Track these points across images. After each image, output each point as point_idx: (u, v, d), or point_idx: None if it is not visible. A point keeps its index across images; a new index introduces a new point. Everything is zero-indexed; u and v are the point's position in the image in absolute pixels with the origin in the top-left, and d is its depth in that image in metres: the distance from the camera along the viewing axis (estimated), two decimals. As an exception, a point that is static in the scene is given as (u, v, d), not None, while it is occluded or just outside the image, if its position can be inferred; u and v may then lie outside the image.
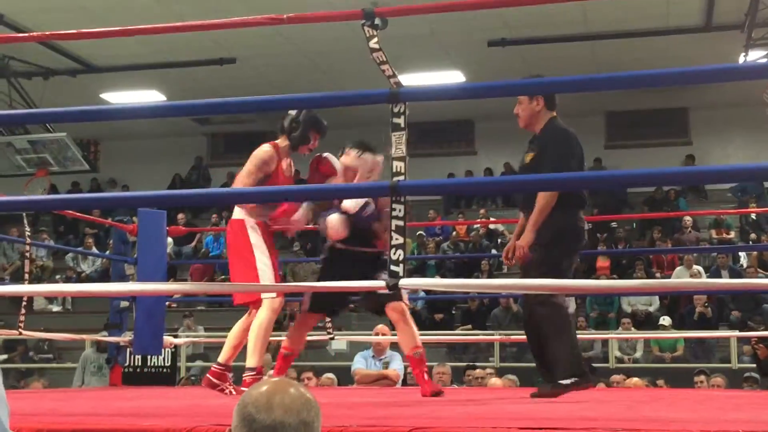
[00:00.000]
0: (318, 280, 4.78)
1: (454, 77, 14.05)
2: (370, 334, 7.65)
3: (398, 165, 3.21)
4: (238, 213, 4.68)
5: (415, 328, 4.55)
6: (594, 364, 10.03)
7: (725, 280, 9.72)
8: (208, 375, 4.67)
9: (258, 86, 13.91)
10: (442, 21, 11.86)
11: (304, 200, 4.38)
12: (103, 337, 7.50)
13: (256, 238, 4.56)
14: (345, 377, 8.52)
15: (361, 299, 4.76)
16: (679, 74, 3.50)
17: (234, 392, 4.48)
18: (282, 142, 4.70)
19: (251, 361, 4.36)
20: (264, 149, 4.66)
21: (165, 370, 7.55)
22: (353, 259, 4.54)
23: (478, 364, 9.80)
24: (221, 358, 4.65)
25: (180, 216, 15.47)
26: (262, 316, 4.44)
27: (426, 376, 4.49)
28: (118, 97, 14.92)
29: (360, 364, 7.38)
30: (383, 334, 7.35)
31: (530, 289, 3.78)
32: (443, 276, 13.30)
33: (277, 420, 1.64)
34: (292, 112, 4.68)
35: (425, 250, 14.52)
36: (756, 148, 15.53)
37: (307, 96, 3.93)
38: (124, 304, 6.82)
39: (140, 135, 17.48)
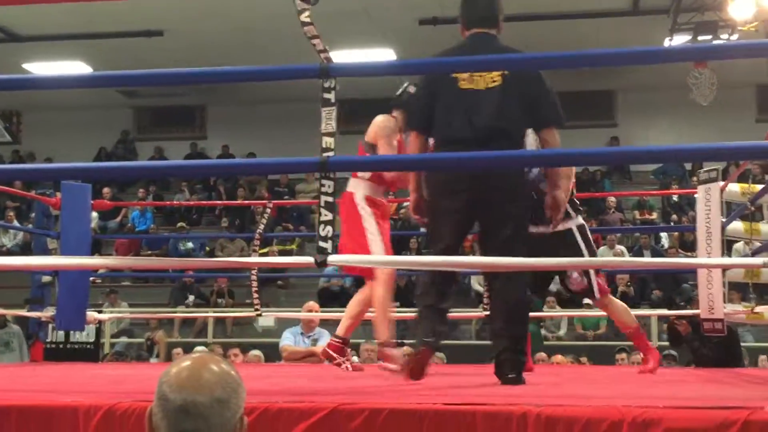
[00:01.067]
0: None
1: (385, 55, 14.03)
2: (299, 311, 7.62)
3: (327, 140, 3.19)
4: (351, 186, 4.70)
5: (624, 311, 4.88)
6: (565, 343, 10.19)
7: (647, 259, 9.91)
8: (326, 348, 4.81)
9: (186, 60, 13.64)
10: (374, -2, 11.83)
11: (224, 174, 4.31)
12: (25, 312, 7.34)
13: (365, 211, 4.62)
14: (273, 354, 8.49)
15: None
16: (607, 55, 3.54)
17: (350, 368, 4.67)
18: (399, 115, 4.71)
19: (379, 334, 4.60)
20: (390, 119, 4.72)
21: (88, 346, 7.42)
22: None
23: (406, 341, 9.85)
24: (339, 331, 4.80)
25: (105, 190, 15.18)
26: (378, 292, 4.58)
27: (648, 354, 4.85)
28: (41, 68, 14.54)
29: (288, 340, 7.35)
30: (313, 311, 7.33)
31: (457, 266, 3.79)
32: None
33: (188, 399, 1.60)
34: (405, 84, 4.74)
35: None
36: (679, 131, 15.88)
37: (236, 69, 3.87)
38: (46, 278, 6.68)
39: (64, 107, 17.07)
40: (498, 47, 3.80)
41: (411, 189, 3.96)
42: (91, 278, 8.35)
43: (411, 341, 3.83)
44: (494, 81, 3.66)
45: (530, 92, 3.70)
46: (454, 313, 9.48)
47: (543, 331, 11.61)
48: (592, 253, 4.72)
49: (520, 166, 3.76)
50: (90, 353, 7.28)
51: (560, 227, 4.52)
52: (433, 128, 3.77)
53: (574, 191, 4.65)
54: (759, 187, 5.88)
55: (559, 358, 8.64)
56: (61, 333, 7.07)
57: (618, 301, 4.91)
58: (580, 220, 4.71)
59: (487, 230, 3.74)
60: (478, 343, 11.48)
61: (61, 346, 7.13)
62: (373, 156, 3.58)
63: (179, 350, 9.42)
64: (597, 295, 4.71)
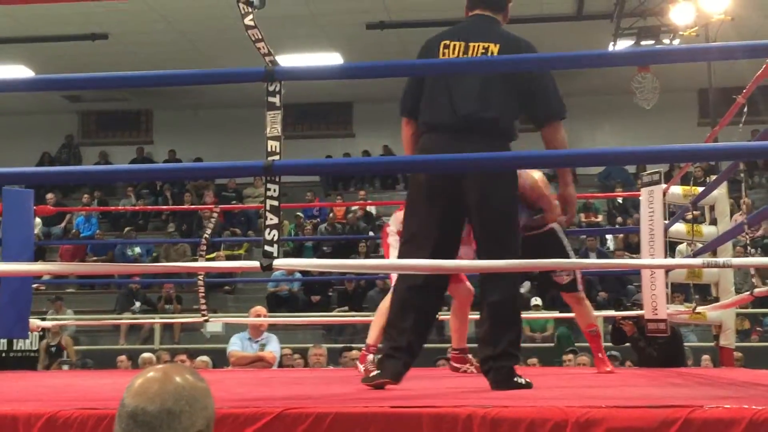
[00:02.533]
0: None
1: (332, 59, 14.04)
2: (247, 316, 7.58)
3: (273, 144, 3.18)
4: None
5: (591, 310, 5.08)
6: (467, 344, 10.21)
7: (592, 260, 10.02)
8: (451, 362, 5.18)
9: (131, 64, 13.55)
10: (320, 2, 11.83)
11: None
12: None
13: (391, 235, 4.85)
14: (220, 360, 8.43)
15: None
16: (553, 59, 3.57)
17: (475, 371, 4.82)
18: None
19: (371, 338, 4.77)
20: None
21: (32, 354, 7.31)
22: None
23: (354, 345, 9.86)
24: (455, 344, 5.19)
25: (49, 196, 14.96)
26: (387, 301, 4.52)
27: (601, 354, 5.02)
28: (-19, 72, 14.29)
29: (236, 346, 7.30)
30: (261, 316, 7.29)
31: (403, 269, 3.77)
32: (321, 258, 13.30)
33: (138, 407, 1.60)
34: None
35: (302, 232, 14.48)
36: (623, 135, 16.11)
37: (182, 73, 3.84)
38: (-13, 286, 6.54)
39: (6, 112, 16.78)
40: (497, 32, 3.62)
41: None
42: (35, 285, 8.22)
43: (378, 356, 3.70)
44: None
45: (521, 83, 3.55)
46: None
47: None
48: (573, 249, 4.95)
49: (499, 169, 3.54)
50: (33, 361, 7.18)
51: (541, 229, 4.83)
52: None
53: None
54: (700, 189, 5.99)
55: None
56: (4, 341, 6.95)
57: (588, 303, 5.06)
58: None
59: (476, 227, 3.51)
60: (426, 346, 11.51)
61: (2, 354, 7.01)
62: (319, 159, 3.56)
63: (123, 357, 9.31)
64: (580, 287, 4.92)
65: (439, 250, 3.41)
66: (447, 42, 3.60)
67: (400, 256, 3.63)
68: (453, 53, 3.56)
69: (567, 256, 4.80)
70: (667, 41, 11.52)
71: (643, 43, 11.77)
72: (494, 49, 3.51)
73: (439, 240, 3.46)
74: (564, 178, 3.82)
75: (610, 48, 12.38)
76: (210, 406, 1.69)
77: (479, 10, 3.72)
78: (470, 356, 5.18)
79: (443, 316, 6.34)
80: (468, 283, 5.00)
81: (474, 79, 3.49)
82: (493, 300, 3.38)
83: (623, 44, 12.31)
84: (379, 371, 3.44)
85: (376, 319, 4.92)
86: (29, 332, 6.72)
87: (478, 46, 3.54)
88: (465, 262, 3.95)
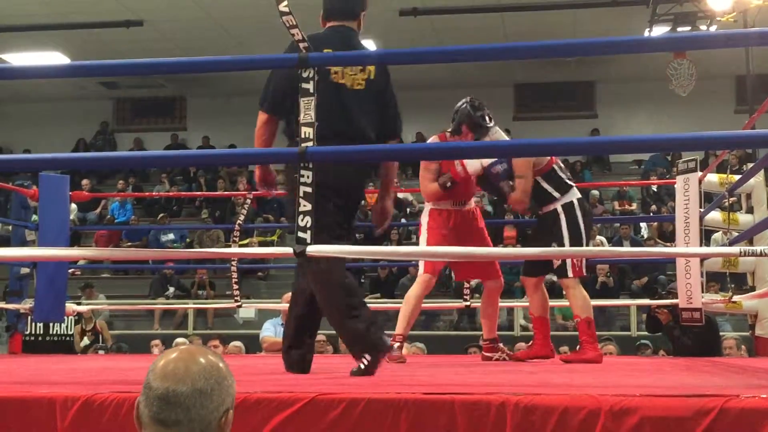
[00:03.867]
0: None
1: (366, 46, 14.00)
2: (279, 302, 7.61)
3: (307, 131, 3.19)
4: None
5: (582, 301, 4.88)
6: (499, 333, 10.20)
7: (626, 249, 9.96)
8: (483, 351, 5.26)
9: (166, 51, 13.60)
10: (354, -12, 11.79)
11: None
12: (3, 304, 7.29)
13: (425, 221, 5.00)
14: (253, 345, 8.48)
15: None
16: (588, 45, 3.54)
17: (507, 357, 5.14)
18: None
19: (398, 327, 4.88)
20: (429, 140, 5.08)
21: (67, 338, 7.41)
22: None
23: (387, 332, 9.87)
24: (486, 335, 5.26)
25: (84, 182, 15.10)
26: (414, 290, 4.92)
27: (585, 344, 4.88)
28: (18, 59, 14.40)
29: (269, 331, 7.34)
30: (292, 303, 7.31)
31: (436, 257, 3.78)
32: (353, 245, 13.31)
33: (169, 388, 1.62)
34: (459, 103, 4.93)
35: (335, 218, 14.45)
36: (658, 122, 15.97)
37: (216, 59, 3.86)
38: (24, 270, 6.63)
39: (43, 98, 16.95)
40: (355, 44, 3.74)
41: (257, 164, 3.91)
42: (71, 270, 8.31)
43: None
44: (359, 84, 3.62)
45: (385, 101, 3.73)
46: (434, 305, 9.55)
47: (523, 322, 11.66)
48: (575, 233, 4.75)
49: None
50: (69, 345, 7.27)
51: (545, 209, 4.82)
52: (286, 115, 3.64)
53: (558, 171, 4.85)
54: (737, 177, 5.92)
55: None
56: (41, 325, 7.04)
57: (584, 291, 4.88)
58: (568, 198, 4.83)
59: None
60: (458, 333, 11.53)
61: (40, 338, 7.11)
62: (353, 146, 3.56)
63: (157, 342, 9.38)
64: (569, 273, 4.78)
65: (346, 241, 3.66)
66: (329, 51, 3.60)
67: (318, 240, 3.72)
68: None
69: (561, 240, 4.74)
70: (704, 27, 11.38)
71: (679, 29, 11.64)
72: (371, 68, 3.65)
73: (346, 233, 3.69)
74: (386, 190, 3.93)
75: (646, 34, 12.25)
76: (233, 385, 1.71)
77: (336, 21, 3.79)
78: (501, 345, 5.25)
79: (475, 303, 6.36)
80: (499, 274, 5.09)
81: (355, 95, 3.62)
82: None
83: (659, 30, 12.17)
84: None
85: (404, 309, 4.96)
86: (65, 316, 6.82)
87: (357, 68, 3.64)
88: (494, 250, 3.96)
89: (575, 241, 4.72)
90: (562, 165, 4.96)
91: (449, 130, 4.92)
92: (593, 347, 4.88)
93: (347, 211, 3.70)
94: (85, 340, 9.12)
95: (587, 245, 4.85)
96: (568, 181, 4.88)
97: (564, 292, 5.02)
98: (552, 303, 11.43)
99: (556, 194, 4.81)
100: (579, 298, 4.85)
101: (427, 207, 5.04)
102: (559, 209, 4.78)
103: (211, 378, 1.65)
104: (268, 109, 3.67)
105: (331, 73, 3.57)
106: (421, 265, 4.96)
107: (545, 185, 4.84)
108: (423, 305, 5.21)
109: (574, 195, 4.86)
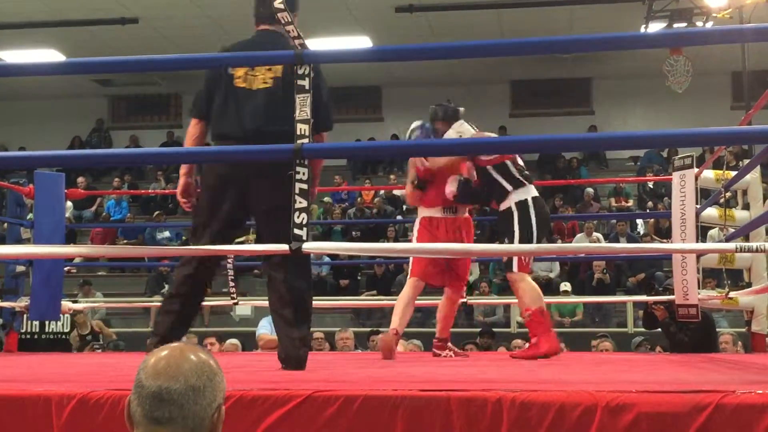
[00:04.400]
0: None
1: (361, 42, 13.99)
2: (275, 300, 7.59)
3: (302, 128, 3.19)
4: None
5: (530, 293, 4.80)
6: (495, 329, 10.22)
7: (621, 245, 9.98)
8: (433, 349, 5.36)
9: (161, 48, 13.60)
10: (349, -15, 11.79)
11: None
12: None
13: (416, 228, 5.25)
14: (250, 343, 8.47)
15: None
16: (585, 41, 3.54)
17: (453, 355, 5.28)
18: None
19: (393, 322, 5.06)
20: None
21: (63, 336, 7.39)
22: None
23: (382, 329, 9.87)
24: (438, 333, 5.37)
25: (80, 179, 15.09)
26: (405, 290, 5.18)
27: (535, 340, 4.77)
28: (13, 56, 14.36)
29: (265, 329, 7.33)
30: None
31: (434, 254, 3.79)
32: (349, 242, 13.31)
33: (162, 386, 1.62)
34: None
35: (331, 216, 14.49)
36: (655, 119, 15.98)
37: (212, 56, 3.84)
38: (20, 268, 6.61)
39: (38, 95, 16.92)
40: (282, 45, 3.71)
41: (181, 173, 3.95)
42: (66, 268, 8.30)
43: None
44: (265, 83, 3.65)
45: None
46: (431, 301, 9.53)
47: (519, 319, 11.66)
48: (526, 230, 4.76)
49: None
50: (65, 343, 7.25)
51: (502, 206, 4.87)
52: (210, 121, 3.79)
53: (511, 167, 4.87)
54: (733, 173, 5.92)
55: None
56: (36, 323, 7.02)
57: (532, 283, 4.83)
58: (523, 195, 4.84)
59: (261, 222, 3.79)
60: (454, 330, 11.51)
61: (35, 336, 7.09)
62: (347, 143, 3.54)
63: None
64: (515, 268, 4.78)
65: (219, 241, 3.68)
66: None
67: (191, 242, 3.86)
68: (240, 71, 3.69)
69: (512, 236, 4.77)
70: (700, 23, 11.39)
71: (675, 25, 11.64)
72: (278, 67, 3.66)
73: (222, 230, 3.72)
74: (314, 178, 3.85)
75: (642, 31, 12.24)
76: (224, 380, 1.71)
77: (265, 25, 3.88)
78: (450, 344, 5.41)
79: (472, 300, 6.40)
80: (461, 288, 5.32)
81: (260, 96, 3.65)
82: (292, 286, 3.64)
83: (655, 27, 12.17)
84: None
85: (396, 310, 5.08)
86: (61, 314, 6.80)
87: (264, 68, 3.68)
88: (475, 246, 3.95)
89: (525, 237, 4.74)
90: (521, 164, 4.94)
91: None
92: (547, 338, 4.76)
93: (230, 211, 3.73)
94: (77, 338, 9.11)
95: (539, 242, 4.82)
96: (520, 177, 4.88)
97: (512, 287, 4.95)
98: (549, 300, 11.48)
99: (508, 186, 4.84)
100: (527, 291, 4.80)
101: (420, 214, 5.23)
102: (513, 207, 4.81)
103: (203, 374, 1.65)
104: (194, 114, 3.86)
105: (235, 78, 3.68)
106: (410, 269, 5.17)
107: (496, 175, 4.87)
108: (419, 303, 5.28)
109: (530, 193, 4.87)
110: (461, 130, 4.93)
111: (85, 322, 9.09)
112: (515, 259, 4.78)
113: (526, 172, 4.97)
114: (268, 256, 3.61)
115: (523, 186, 4.87)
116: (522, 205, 4.81)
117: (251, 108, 3.64)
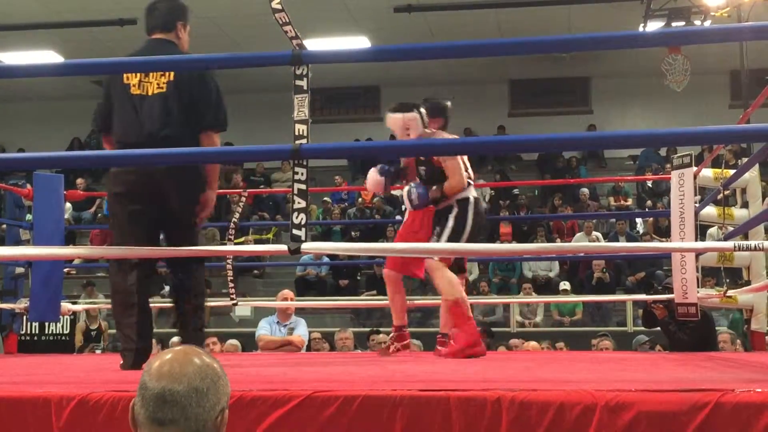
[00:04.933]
0: None
1: (360, 42, 13.98)
2: (275, 300, 7.61)
3: (300, 128, 3.18)
4: None
5: (446, 283, 4.75)
6: (494, 329, 10.23)
7: (620, 244, 9.98)
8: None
9: (160, 48, 13.57)
10: (348, -15, 11.79)
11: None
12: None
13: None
14: (249, 343, 8.46)
15: None
16: (583, 40, 3.54)
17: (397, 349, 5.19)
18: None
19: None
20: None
21: (63, 337, 7.38)
22: None
23: (381, 329, 9.88)
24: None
25: (79, 181, 15.08)
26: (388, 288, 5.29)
27: (456, 329, 4.73)
28: (11, 57, 14.35)
29: (264, 329, 7.33)
30: (288, 300, 7.31)
31: (431, 253, 3.79)
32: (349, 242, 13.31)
33: (166, 388, 1.63)
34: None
35: (330, 216, 14.49)
36: (653, 118, 15.98)
37: (209, 57, 3.84)
38: (19, 269, 6.61)
39: (37, 97, 16.92)
40: (174, 52, 3.84)
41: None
42: (66, 269, 8.29)
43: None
44: (160, 88, 3.72)
45: (192, 97, 3.76)
46: (430, 301, 9.53)
47: (518, 318, 11.68)
48: (459, 227, 4.76)
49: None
50: (65, 345, 7.24)
51: (443, 204, 4.84)
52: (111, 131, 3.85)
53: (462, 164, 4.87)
54: (732, 172, 5.93)
55: (532, 345, 8.67)
56: (36, 325, 7.02)
57: (449, 273, 4.76)
58: (465, 194, 4.83)
59: (170, 227, 3.92)
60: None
61: (35, 337, 7.09)
62: (346, 143, 3.55)
63: (153, 341, 9.37)
64: (436, 257, 4.72)
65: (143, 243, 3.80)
66: None
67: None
68: (135, 79, 3.75)
69: (444, 228, 4.77)
70: (698, 22, 11.39)
71: (673, 24, 11.64)
72: (171, 72, 3.73)
73: (140, 234, 3.83)
74: (211, 181, 3.98)
75: (640, 30, 12.25)
76: (228, 385, 1.72)
77: (157, 34, 3.94)
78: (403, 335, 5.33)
79: (472, 300, 6.39)
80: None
81: (155, 102, 3.72)
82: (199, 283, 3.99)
83: (653, 26, 12.18)
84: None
85: (393, 300, 5.23)
86: (60, 316, 6.80)
87: (157, 73, 3.75)
88: (475, 246, 3.93)
89: (455, 234, 4.73)
90: (467, 164, 4.95)
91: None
92: (466, 328, 4.70)
93: (148, 215, 3.83)
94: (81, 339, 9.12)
95: (468, 242, 4.79)
96: (468, 177, 4.90)
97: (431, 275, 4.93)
98: (548, 299, 11.46)
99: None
100: (445, 280, 4.75)
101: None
102: (454, 203, 4.81)
103: (207, 377, 1.66)
104: (93, 127, 4.17)
105: (131, 86, 3.74)
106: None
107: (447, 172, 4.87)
108: (418, 302, 5.30)
109: (471, 193, 4.88)
110: (410, 124, 4.85)
111: (96, 317, 9.14)
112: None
113: (470, 171, 4.99)
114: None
115: (468, 186, 4.90)
116: (463, 202, 4.83)
117: (147, 113, 3.71)
